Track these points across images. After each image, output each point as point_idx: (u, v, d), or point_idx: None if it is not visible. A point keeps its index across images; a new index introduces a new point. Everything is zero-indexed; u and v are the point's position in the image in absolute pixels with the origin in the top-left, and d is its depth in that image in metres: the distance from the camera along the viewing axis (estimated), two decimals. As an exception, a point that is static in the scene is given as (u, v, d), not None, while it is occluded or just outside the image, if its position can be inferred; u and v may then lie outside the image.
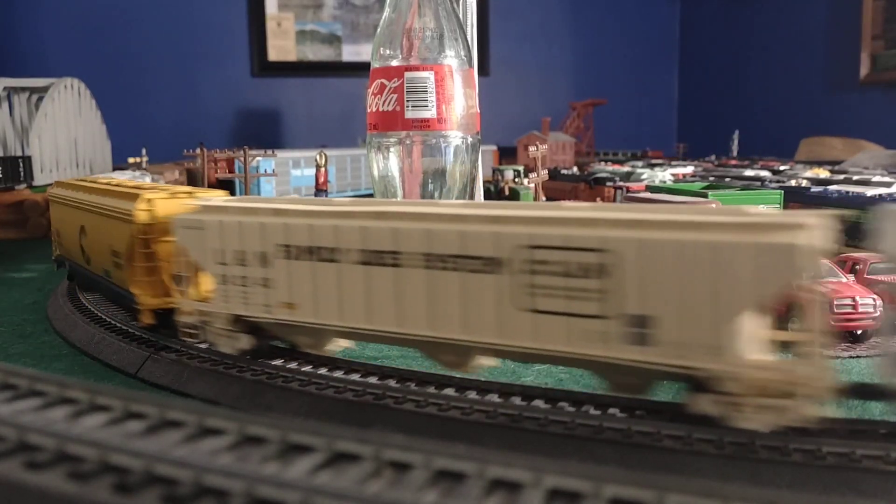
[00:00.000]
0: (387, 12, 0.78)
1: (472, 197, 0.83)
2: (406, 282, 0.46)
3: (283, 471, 0.26)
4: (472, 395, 0.48)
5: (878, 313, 0.62)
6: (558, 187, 1.61)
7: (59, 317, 0.77)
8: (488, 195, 1.52)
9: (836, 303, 0.62)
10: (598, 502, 0.24)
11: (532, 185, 1.35)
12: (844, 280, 0.66)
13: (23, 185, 1.38)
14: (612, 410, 0.45)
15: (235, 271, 0.54)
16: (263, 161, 1.61)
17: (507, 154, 2.53)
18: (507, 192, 1.49)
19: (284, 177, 1.85)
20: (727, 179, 1.39)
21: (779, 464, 0.37)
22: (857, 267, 0.70)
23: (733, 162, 2.23)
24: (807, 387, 0.36)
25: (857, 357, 0.61)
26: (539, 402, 0.46)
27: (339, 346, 0.55)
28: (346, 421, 0.46)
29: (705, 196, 0.93)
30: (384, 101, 0.76)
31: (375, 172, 0.80)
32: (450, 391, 0.49)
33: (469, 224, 0.44)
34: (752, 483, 0.36)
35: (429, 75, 0.75)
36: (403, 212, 0.47)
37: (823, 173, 1.52)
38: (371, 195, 0.86)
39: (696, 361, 0.38)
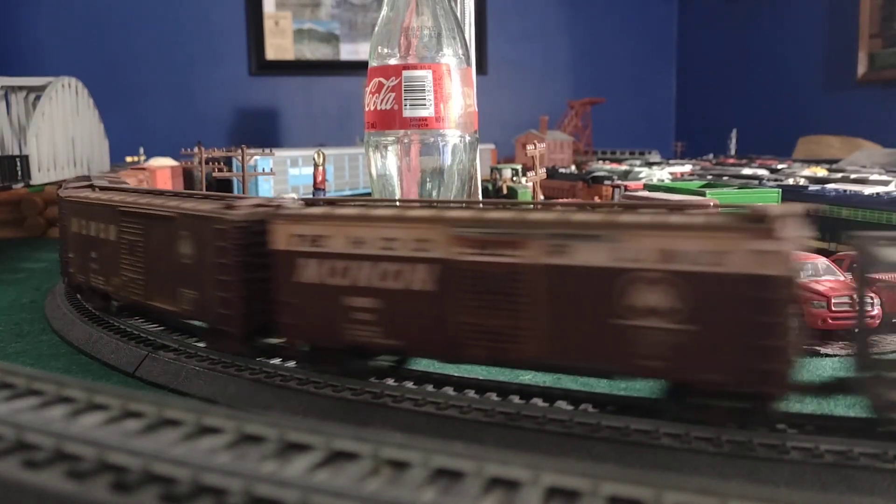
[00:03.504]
0: (385, 11, 0.78)
1: (470, 196, 0.83)
2: None
3: (282, 469, 0.26)
4: (471, 393, 0.48)
5: (876, 311, 0.62)
6: (556, 186, 1.61)
7: (56, 316, 0.77)
8: (486, 194, 1.52)
9: (833, 301, 0.62)
10: (596, 500, 0.24)
11: (530, 184, 1.35)
12: (842, 278, 0.66)
13: (20, 185, 1.38)
14: (609, 409, 0.45)
15: None
16: (261, 160, 1.62)
17: (504, 153, 2.53)
18: (505, 191, 1.49)
19: (282, 175, 1.85)
20: (725, 178, 1.39)
21: (776, 462, 0.37)
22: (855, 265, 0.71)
23: (731, 160, 2.23)
24: None
25: (831, 356, 0.61)
26: (537, 401, 0.46)
27: None
28: (344, 419, 0.46)
29: (703, 195, 0.93)
30: (382, 100, 0.76)
31: (373, 171, 0.80)
32: (448, 390, 0.49)
33: None
34: (749, 481, 0.36)
35: (427, 74, 0.75)
36: None
37: (821, 172, 1.52)
38: (369, 195, 0.86)
39: None
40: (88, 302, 0.74)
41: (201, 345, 0.60)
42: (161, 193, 0.65)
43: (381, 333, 0.46)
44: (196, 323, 0.63)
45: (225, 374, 0.54)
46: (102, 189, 0.74)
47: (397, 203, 0.51)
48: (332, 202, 0.50)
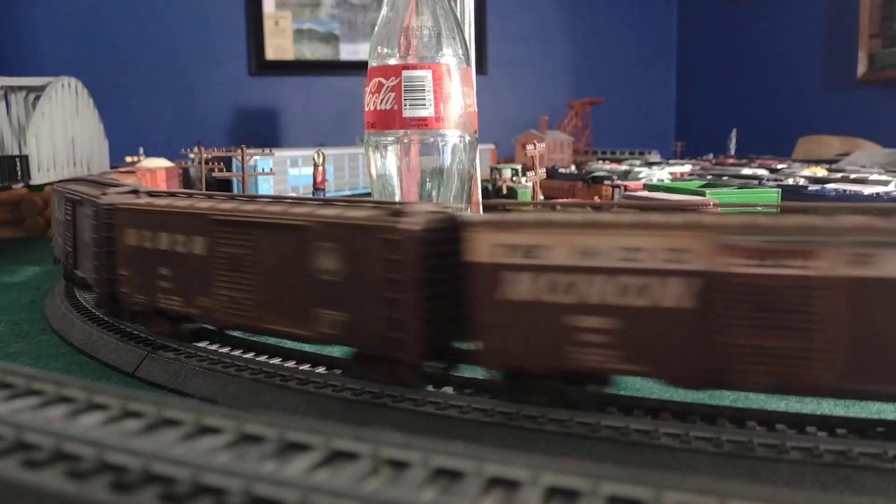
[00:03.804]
0: (384, 11, 0.78)
1: (470, 196, 0.83)
2: None
3: (281, 469, 0.26)
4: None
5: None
6: (556, 186, 1.61)
7: (56, 316, 0.77)
8: (486, 194, 1.52)
9: None
10: (596, 500, 0.24)
11: (530, 184, 1.35)
12: None
13: (20, 185, 1.38)
14: (609, 409, 0.45)
15: None
16: (261, 160, 1.62)
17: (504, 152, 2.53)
18: (505, 191, 1.49)
19: (282, 175, 1.85)
20: (725, 178, 1.40)
21: (776, 461, 0.37)
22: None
23: (731, 160, 2.23)
24: None
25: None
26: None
27: None
28: (343, 419, 0.46)
29: (703, 195, 0.93)
30: (382, 100, 0.76)
31: (373, 171, 0.80)
32: (447, 390, 0.49)
33: None
34: (749, 481, 0.36)
35: (426, 74, 0.75)
36: None
37: (821, 172, 1.52)
38: (368, 195, 0.85)
39: None
40: (146, 325, 0.63)
41: (310, 369, 0.54)
42: (268, 199, 0.56)
43: (620, 357, 0.40)
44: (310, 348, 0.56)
45: (225, 374, 0.54)
46: (152, 195, 0.65)
47: (625, 207, 0.45)
48: (508, 206, 0.44)
